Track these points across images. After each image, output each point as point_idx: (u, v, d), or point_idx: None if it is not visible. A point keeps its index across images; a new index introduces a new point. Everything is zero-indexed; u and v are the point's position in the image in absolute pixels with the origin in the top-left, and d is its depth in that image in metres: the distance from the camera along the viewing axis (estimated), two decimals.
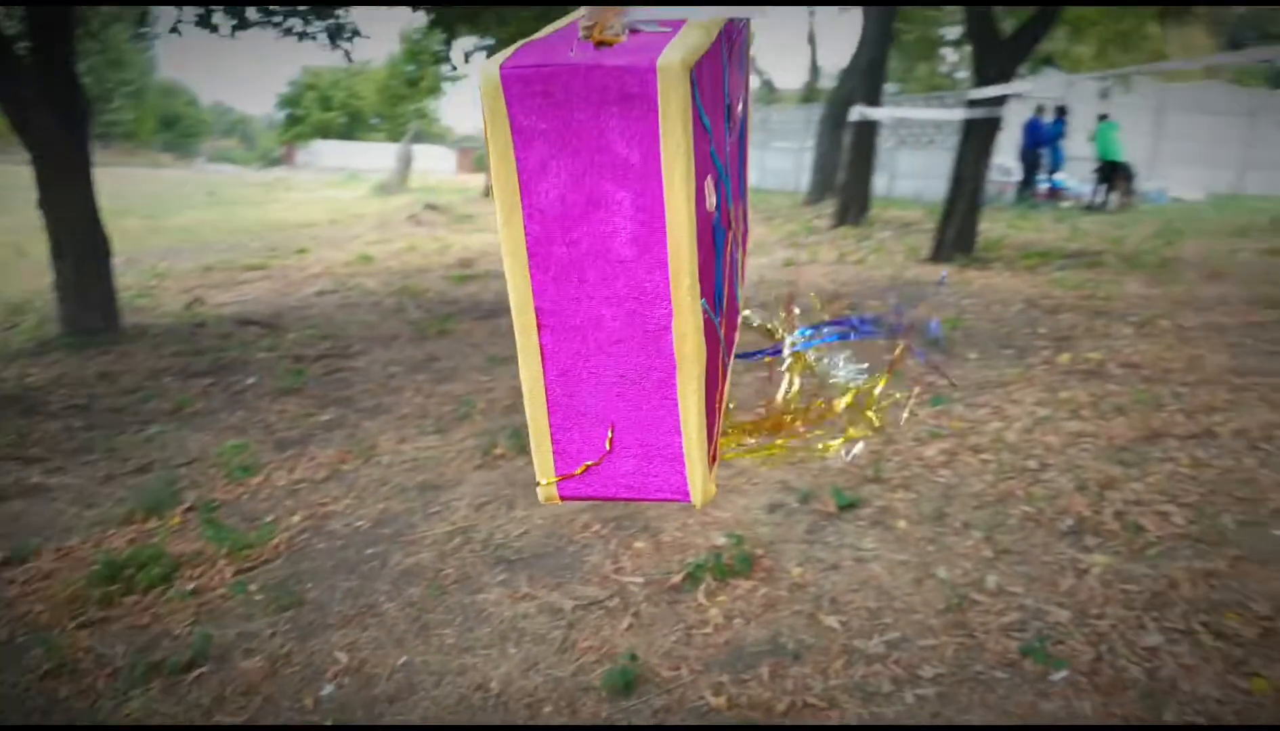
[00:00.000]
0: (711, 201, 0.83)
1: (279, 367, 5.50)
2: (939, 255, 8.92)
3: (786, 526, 3.19)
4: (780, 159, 22.88)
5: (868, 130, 11.88)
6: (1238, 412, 3.87)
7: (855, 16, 13.35)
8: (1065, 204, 14.74)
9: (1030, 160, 14.99)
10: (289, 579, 2.97)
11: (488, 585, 2.90)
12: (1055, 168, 15.22)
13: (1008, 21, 9.60)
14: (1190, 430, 3.70)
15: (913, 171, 17.55)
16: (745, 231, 1.30)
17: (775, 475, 3.60)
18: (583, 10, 0.84)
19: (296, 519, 3.40)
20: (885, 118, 13.63)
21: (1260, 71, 27.42)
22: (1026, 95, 12.89)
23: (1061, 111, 14.77)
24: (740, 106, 1.16)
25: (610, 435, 0.82)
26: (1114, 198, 14.01)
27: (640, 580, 2.90)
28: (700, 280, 0.77)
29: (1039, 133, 14.70)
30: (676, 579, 2.87)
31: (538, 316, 0.78)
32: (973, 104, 8.59)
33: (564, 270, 0.76)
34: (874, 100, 12.05)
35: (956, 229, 8.95)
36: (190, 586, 2.91)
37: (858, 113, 11.52)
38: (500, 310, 6.99)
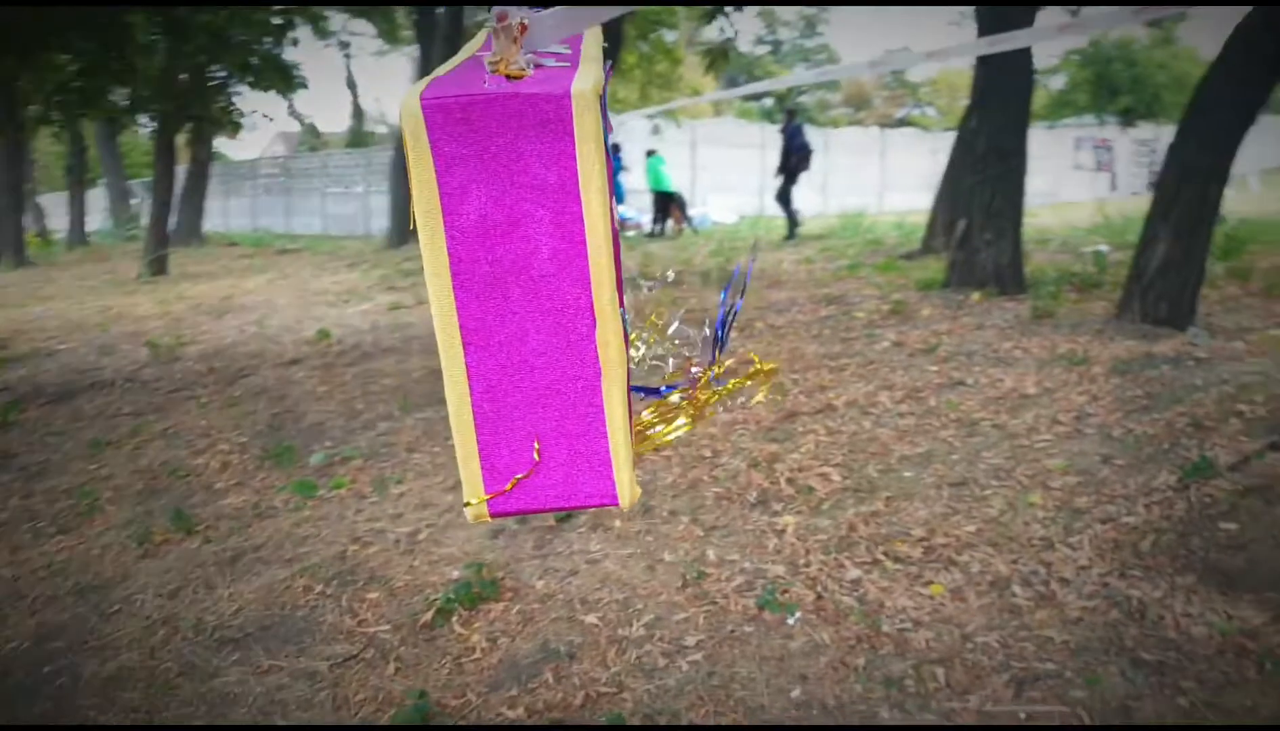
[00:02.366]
0: (616, 218, 1.00)
1: None
2: None
3: (514, 547, 3.36)
4: (342, 204, 22.52)
5: None
6: (843, 388, 4.81)
7: (399, 61, 13.71)
8: (630, 233, 16.44)
9: None
10: None
11: (221, 668, 2.69)
12: (618, 200, 16.93)
13: None
14: (815, 406, 4.52)
15: None
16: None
17: None
18: (476, 44, 0.99)
19: None
20: None
21: (758, 110, 32.84)
22: None
23: (615, 149, 16.51)
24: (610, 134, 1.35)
25: (537, 447, 0.84)
26: (670, 225, 15.95)
27: (388, 627, 2.90)
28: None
29: None
30: (427, 617, 2.91)
31: (462, 335, 0.81)
32: None
33: (487, 287, 0.80)
34: None
35: None
36: None
37: None
38: (77, 390, 6.20)
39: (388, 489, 4.02)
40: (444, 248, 0.79)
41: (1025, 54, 7.15)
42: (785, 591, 2.91)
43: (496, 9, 0.84)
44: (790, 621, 2.77)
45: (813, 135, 18.21)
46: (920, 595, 2.84)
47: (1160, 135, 27.14)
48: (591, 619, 2.86)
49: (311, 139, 38.30)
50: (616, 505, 0.88)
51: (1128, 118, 27.70)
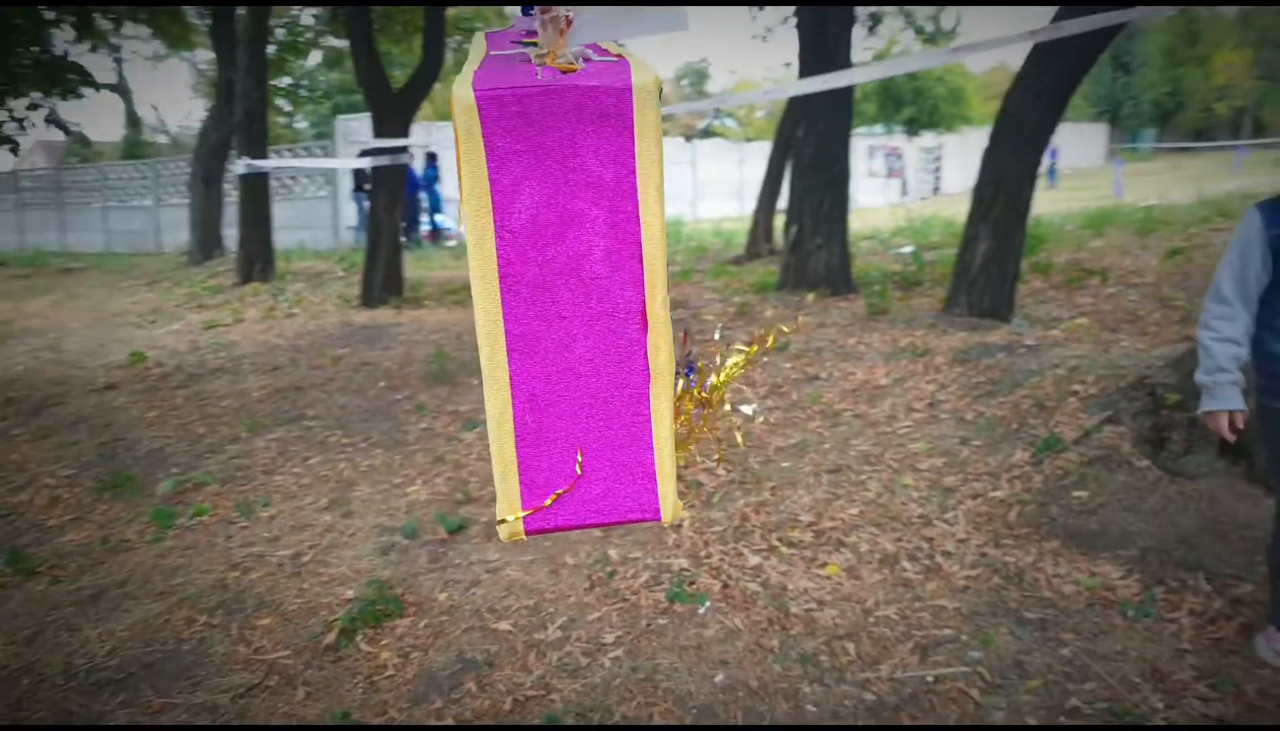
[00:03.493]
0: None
1: None
2: (371, 299, 9.31)
3: (408, 563, 3.32)
4: (127, 219, 20.99)
5: (259, 183, 11.77)
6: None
7: (177, 69, 13.02)
8: (451, 243, 16.23)
9: (411, 206, 16.21)
10: None
11: (106, 713, 2.53)
12: (435, 210, 16.69)
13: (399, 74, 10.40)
14: None
15: (292, 222, 17.64)
16: None
17: (369, 520, 3.68)
18: (479, 52, 0.95)
19: None
20: (273, 168, 13.58)
21: None
22: (418, 145, 13.96)
23: (432, 157, 16.28)
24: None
25: (580, 459, 0.82)
26: None
27: (288, 652, 2.80)
28: None
29: (414, 179, 15.98)
30: (329, 638, 2.84)
31: (507, 341, 0.79)
32: (376, 152, 9.18)
33: (536, 291, 0.78)
34: (259, 152, 11.98)
35: (383, 273, 9.44)
36: None
37: (244, 166, 11.35)
38: None
39: (255, 513, 3.85)
40: (493, 250, 0.77)
41: (848, 57, 7.66)
42: (693, 583, 3.03)
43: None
44: (701, 611, 2.89)
45: None
46: (819, 576, 3.04)
47: (942, 143, 29.51)
48: (504, 625, 2.88)
49: (82, 149, 35.44)
50: (658, 519, 0.85)
51: (912, 127, 29.84)
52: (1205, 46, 47.22)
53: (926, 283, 7.66)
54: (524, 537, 0.82)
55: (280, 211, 17.18)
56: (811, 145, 7.90)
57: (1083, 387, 4.03)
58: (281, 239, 13.36)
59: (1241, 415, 2.26)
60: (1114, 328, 5.59)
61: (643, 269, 0.79)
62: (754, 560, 3.14)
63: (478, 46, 1.00)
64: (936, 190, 28.43)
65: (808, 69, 7.68)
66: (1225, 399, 2.25)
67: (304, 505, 3.94)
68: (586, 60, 0.82)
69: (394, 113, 9.20)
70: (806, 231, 7.80)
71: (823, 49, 7.49)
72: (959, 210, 15.53)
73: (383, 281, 9.42)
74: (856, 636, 2.71)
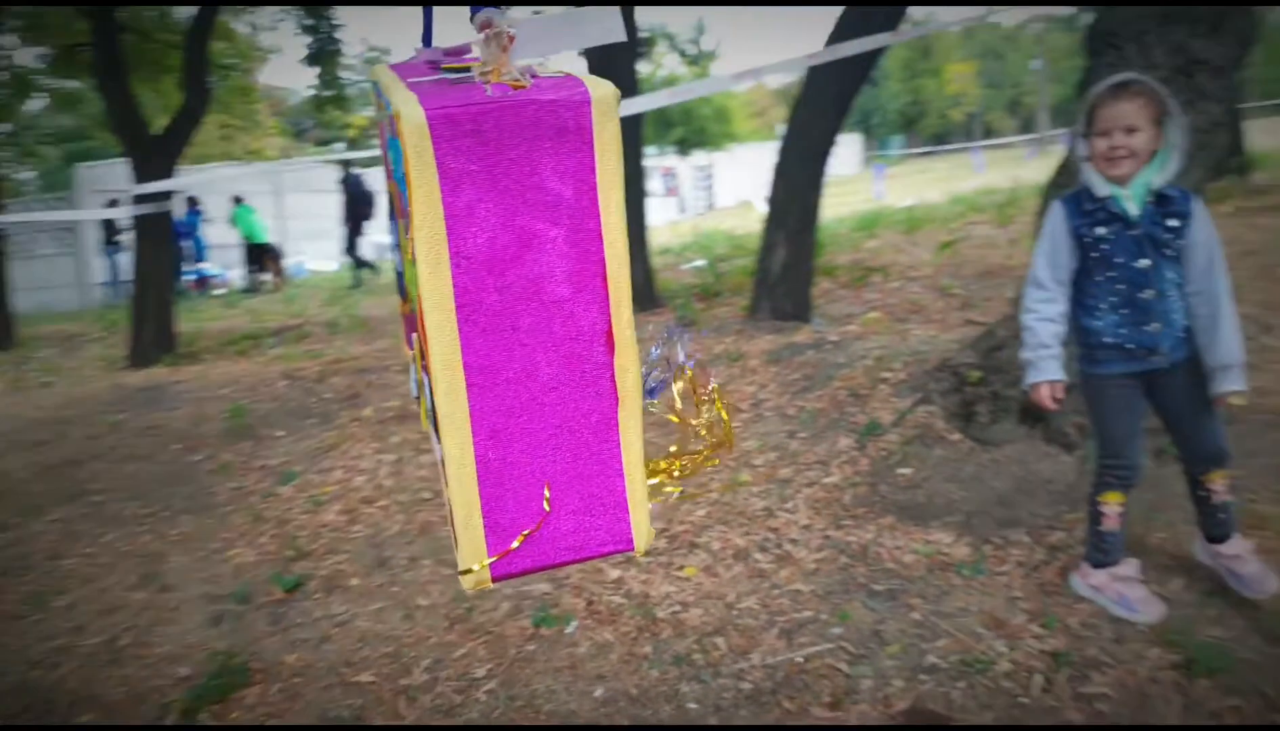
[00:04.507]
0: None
1: None
2: (142, 358, 8.68)
3: (245, 629, 3.15)
4: None
5: None
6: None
7: None
8: (219, 291, 15.39)
9: (173, 253, 15.25)
10: None
11: None
12: (200, 258, 15.77)
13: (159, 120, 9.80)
14: None
15: (29, 283, 16.15)
16: None
17: (192, 591, 3.45)
18: (389, 80, 0.93)
19: None
20: (9, 224, 12.38)
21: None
22: (187, 189, 13.15)
23: (193, 202, 15.39)
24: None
25: (547, 495, 0.79)
26: (269, 278, 15.18)
27: None
28: None
29: (175, 226, 15.04)
30: (171, 719, 2.66)
31: (466, 375, 0.75)
32: (139, 199, 8.61)
33: (495, 320, 0.75)
34: None
35: (154, 329, 8.84)
36: None
37: None
38: None
39: (48, 603, 3.53)
40: (448, 278, 0.73)
41: (635, 83, 7.92)
42: (555, 605, 3.05)
43: (480, 16, 0.83)
44: (569, 630, 2.92)
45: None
46: (679, 579, 3.14)
47: (713, 161, 30.95)
48: (366, 677, 2.79)
49: None
50: (631, 550, 0.83)
51: (683, 147, 31.06)
52: (937, 59, 52.16)
53: (725, 292, 8.01)
54: (490, 585, 0.79)
55: (16, 272, 15.75)
56: None
57: (891, 374, 4.37)
58: (20, 302, 12.21)
59: (1061, 385, 2.55)
60: (903, 318, 6.07)
61: (607, 289, 0.77)
62: (613, 574, 3.20)
63: (389, 78, 0.95)
64: (711, 206, 29.77)
65: None
66: (1047, 371, 2.53)
67: (108, 586, 3.64)
68: (533, 75, 0.80)
69: (155, 155, 8.65)
70: None
71: (612, 77, 7.70)
72: (735, 223, 16.42)
73: (153, 338, 8.82)
74: (724, 631, 2.82)
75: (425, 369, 0.83)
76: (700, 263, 10.88)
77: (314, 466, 4.65)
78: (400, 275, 1.20)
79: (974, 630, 2.68)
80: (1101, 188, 2.38)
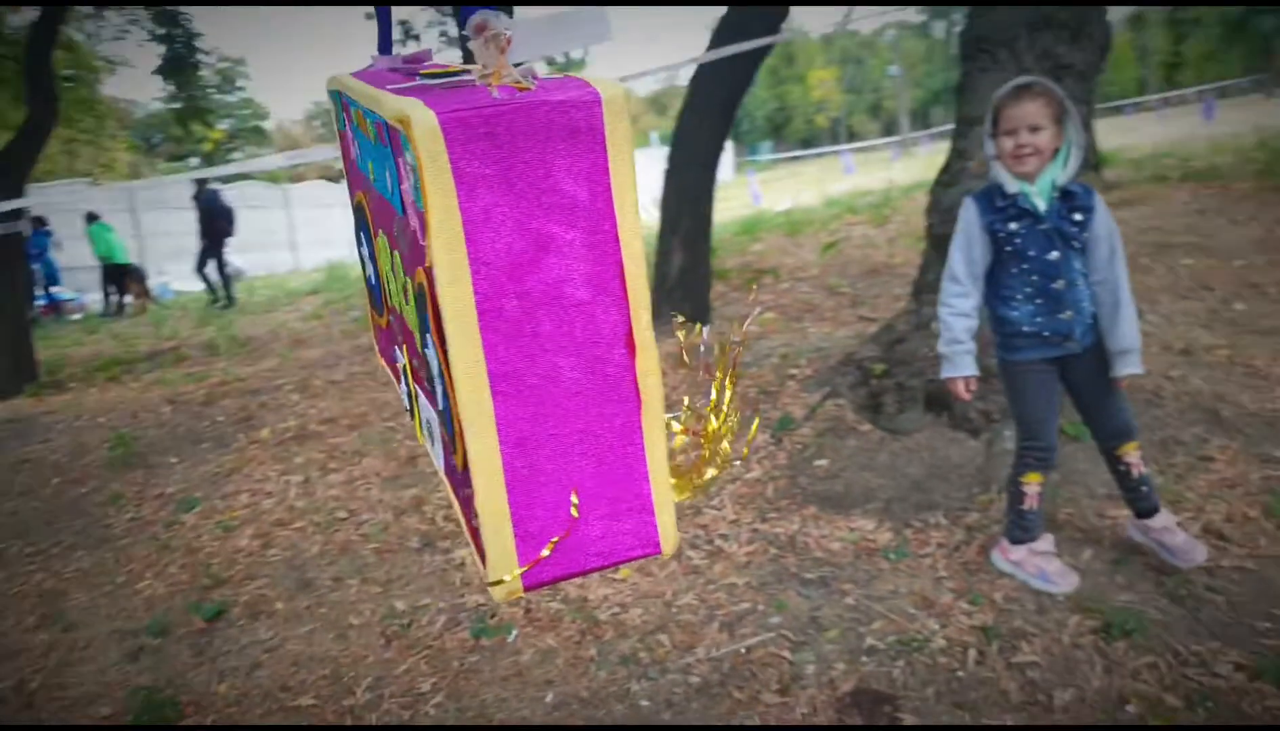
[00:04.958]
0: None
1: None
2: (1, 391, 8.20)
3: (168, 662, 3.04)
4: None
5: None
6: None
7: None
8: (75, 316, 14.59)
9: (27, 276, 14.40)
10: None
11: None
12: (51, 281, 14.93)
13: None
14: (392, 450, 4.65)
15: None
16: None
17: (101, 628, 3.31)
18: (367, 91, 0.93)
19: None
20: None
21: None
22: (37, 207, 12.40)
23: (39, 222, 14.55)
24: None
25: (575, 501, 0.79)
26: (130, 300, 14.48)
27: None
28: None
29: (23, 248, 14.21)
30: None
31: (491, 384, 0.75)
32: None
33: (516, 326, 0.74)
34: None
35: (12, 358, 8.35)
36: None
37: None
38: None
39: None
40: (469, 286, 0.73)
41: None
42: (494, 615, 3.06)
43: (475, 18, 0.81)
44: (511, 639, 2.94)
45: (269, 194, 17.68)
46: (615, 581, 3.19)
47: None
48: (305, 701, 2.75)
49: None
50: (658, 554, 0.83)
51: None
52: (800, 66, 53.79)
53: None
54: (522, 595, 0.79)
55: None
56: None
57: (798, 371, 4.53)
58: None
59: (975, 379, 2.72)
60: (798, 317, 6.28)
61: (626, 291, 0.77)
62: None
63: (360, 87, 0.95)
64: None
65: None
66: (961, 365, 2.69)
67: (4, 630, 3.46)
68: (535, 77, 0.79)
69: (1, 174, 8.19)
70: None
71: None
72: None
73: (12, 367, 8.33)
74: (666, 628, 2.89)
75: (443, 375, 0.85)
76: None
77: (216, 492, 4.50)
78: (375, 287, 1.19)
79: (906, 611, 2.82)
80: (1011, 185, 2.55)
